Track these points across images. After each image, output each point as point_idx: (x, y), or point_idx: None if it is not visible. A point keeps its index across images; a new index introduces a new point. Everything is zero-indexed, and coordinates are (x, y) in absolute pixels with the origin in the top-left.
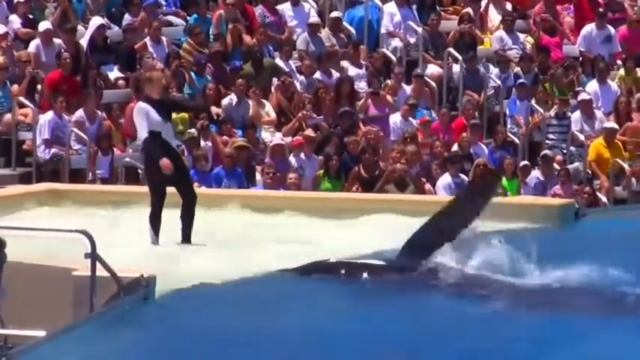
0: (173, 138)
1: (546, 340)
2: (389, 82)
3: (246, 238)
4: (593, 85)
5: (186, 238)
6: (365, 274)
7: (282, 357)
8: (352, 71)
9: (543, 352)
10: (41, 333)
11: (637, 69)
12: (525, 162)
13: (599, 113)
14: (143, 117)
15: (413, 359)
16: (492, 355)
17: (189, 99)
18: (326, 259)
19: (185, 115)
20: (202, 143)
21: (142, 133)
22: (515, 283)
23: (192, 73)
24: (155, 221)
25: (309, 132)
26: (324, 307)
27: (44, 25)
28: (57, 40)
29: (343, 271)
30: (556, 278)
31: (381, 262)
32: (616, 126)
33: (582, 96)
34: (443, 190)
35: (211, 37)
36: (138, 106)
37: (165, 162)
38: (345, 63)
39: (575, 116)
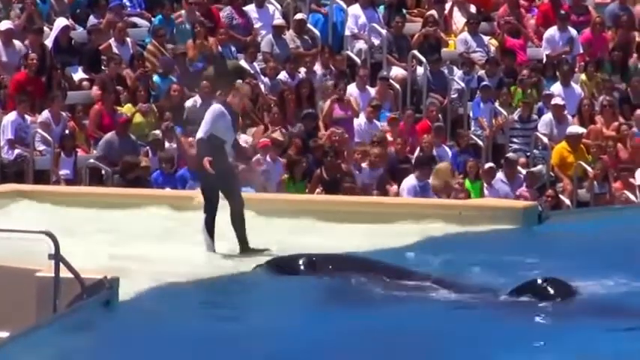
0: (230, 147)
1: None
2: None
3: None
4: (556, 88)
5: (241, 243)
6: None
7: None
8: (318, 73)
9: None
10: (4, 334)
11: (598, 72)
12: (490, 164)
13: (569, 117)
14: (214, 119)
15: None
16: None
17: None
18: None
19: (152, 119)
20: (167, 145)
21: (202, 134)
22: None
23: (156, 75)
24: (210, 227)
25: (277, 135)
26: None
27: (5, 25)
28: (17, 42)
29: (305, 266)
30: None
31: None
32: (580, 130)
33: (555, 100)
34: (407, 193)
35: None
36: (214, 107)
37: (207, 161)
38: (311, 65)
39: (546, 120)
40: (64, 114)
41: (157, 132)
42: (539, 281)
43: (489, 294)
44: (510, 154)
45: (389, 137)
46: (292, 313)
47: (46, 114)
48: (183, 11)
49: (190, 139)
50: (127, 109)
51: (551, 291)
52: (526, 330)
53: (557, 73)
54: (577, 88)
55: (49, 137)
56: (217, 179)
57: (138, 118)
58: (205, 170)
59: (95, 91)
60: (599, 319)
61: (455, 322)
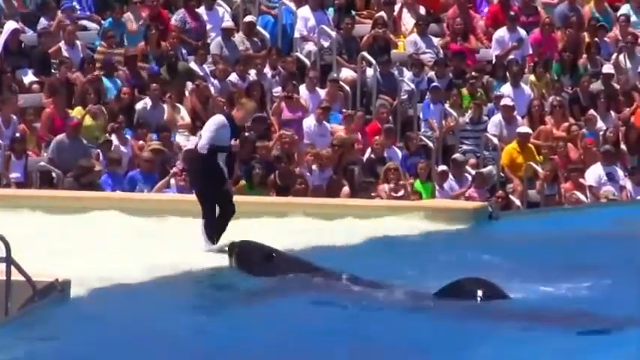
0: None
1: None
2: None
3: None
4: (506, 89)
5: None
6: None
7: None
8: (267, 75)
9: None
10: None
11: (547, 73)
12: (443, 167)
13: (518, 118)
14: (216, 129)
15: None
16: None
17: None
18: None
19: (102, 122)
20: (122, 148)
21: (204, 142)
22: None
23: (104, 77)
24: (209, 230)
25: None
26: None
27: None
28: None
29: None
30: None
31: None
32: (529, 131)
33: (504, 101)
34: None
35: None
36: (218, 117)
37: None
38: (262, 67)
39: (495, 120)
40: (14, 117)
41: (107, 135)
42: (464, 282)
43: (415, 295)
44: (457, 155)
45: (342, 134)
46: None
47: None
48: (129, 13)
49: (141, 142)
50: (77, 111)
51: (476, 292)
52: (444, 331)
53: (507, 74)
54: (527, 88)
55: None
56: (209, 184)
57: (88, 120)
58: (197, 175)
59: (45, 95)
60: (515, 322)
61: (374, 323)
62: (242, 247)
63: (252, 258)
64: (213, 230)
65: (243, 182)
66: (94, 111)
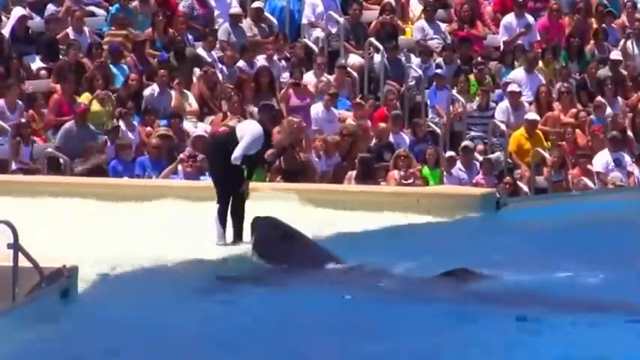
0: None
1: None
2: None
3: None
4: (518, 75)
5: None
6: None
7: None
8: (276, 62)
9: None
10: None
11: (555, 60)
12: (451, 153)
13: (526, 105)
14: (253, 140)
15: None
16: None
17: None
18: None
19: (110, 108)
20: (130, 135)
21: (240, 153)
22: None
23: (111, 64)
24: (222, 217)
25: (234, 123)
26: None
27: None
28: None
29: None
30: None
31: None
32: (537, 117)
33: (511, 87)
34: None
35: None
36: (259, 131)
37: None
38: (269, 53)
39: (502, 107)
40: (20, 102)
41: (115, 121)
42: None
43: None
44: (467, 142)
45: (351, 122)
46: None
47: (1, 103)
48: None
49: (148, 128)
50: (84, 97)
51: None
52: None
53: (515, 61)
54: (540, 75)
55: (6, 126)
56: (223, 176)
57: (95, 106)
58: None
59: (53, 80)
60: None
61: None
62: (264, 224)
63: (271, 236)
64: (225, 225)
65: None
66: (101, 96)
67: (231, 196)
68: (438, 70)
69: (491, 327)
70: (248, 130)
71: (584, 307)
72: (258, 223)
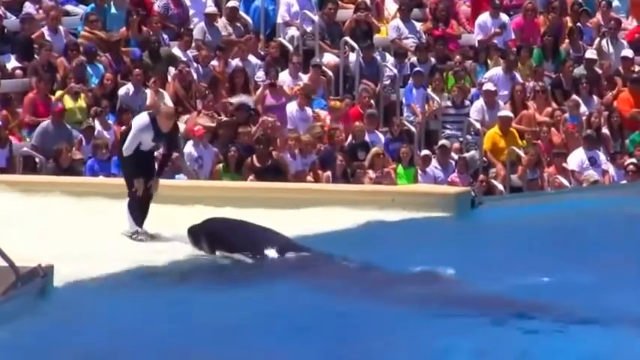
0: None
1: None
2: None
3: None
4: (495, 73)
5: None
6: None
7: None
8: (251, 61)
9: None
10: None
11: (530, 58)
12: (426, 152)
13: (500, 103)
14: (141, 131)
15: None
16: None
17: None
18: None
19: (83, 104)
20: (105, 134)
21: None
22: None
23: (86, 64)
24: (132, 209)
25: (204, 120)
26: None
27: None
28: None
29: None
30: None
31: None
32: (510, 114)
33: (486, 86)
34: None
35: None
36: (144, 121)
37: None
38: (246, 53)
39: (477, 105)
40: None
41: (90, 120)
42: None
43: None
44: (444, 141)
45: (327, 121)
46: None
47: None
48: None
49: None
50: (58, 95)
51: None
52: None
53: (488, 59)
54: (518, 75)
55: None
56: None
57: (69, 103)
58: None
59: (30, 78)
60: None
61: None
62: (216, 220)
63: (222, 228)
64: (139, 211)
65: (219, 166)
66: (74, 90)
67: (139, 190)
68: (418, 68)
69: (458, 329)
70: (135, 121)
71: (555, 308)
72: (196, 229)
